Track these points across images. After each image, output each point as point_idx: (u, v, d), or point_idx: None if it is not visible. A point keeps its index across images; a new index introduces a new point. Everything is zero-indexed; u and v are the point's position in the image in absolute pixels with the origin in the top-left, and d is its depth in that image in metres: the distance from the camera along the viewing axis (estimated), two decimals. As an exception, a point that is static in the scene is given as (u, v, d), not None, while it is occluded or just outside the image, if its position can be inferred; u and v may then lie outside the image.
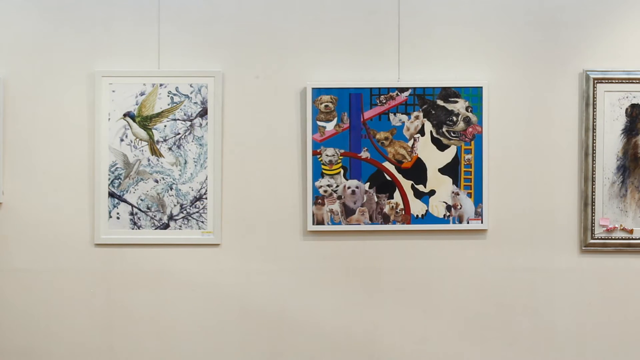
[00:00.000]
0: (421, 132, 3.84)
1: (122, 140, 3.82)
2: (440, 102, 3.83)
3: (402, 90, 3.82)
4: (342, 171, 3.83)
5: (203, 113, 3.83)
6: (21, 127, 3.82)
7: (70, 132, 3.83)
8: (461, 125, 3.84)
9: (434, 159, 3.84)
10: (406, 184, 3.84)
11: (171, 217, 3.83)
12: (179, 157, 3.83)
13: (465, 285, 3.86)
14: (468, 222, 3.84)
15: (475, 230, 3.85)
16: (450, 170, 3.84)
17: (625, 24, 3.85)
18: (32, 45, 3.83)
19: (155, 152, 3.83)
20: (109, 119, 3.81)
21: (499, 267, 3.86)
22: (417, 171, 3.84)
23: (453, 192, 3.84)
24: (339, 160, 3.83)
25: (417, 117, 3.83)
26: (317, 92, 3.81)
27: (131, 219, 3.83)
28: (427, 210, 3.84)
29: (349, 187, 3.83)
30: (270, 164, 3.84)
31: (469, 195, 3.84)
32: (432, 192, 3.84)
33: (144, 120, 3.82)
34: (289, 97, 3.84)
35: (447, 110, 3.83)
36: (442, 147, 3.84)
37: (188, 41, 3.84)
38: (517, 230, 3.86)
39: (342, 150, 3.83)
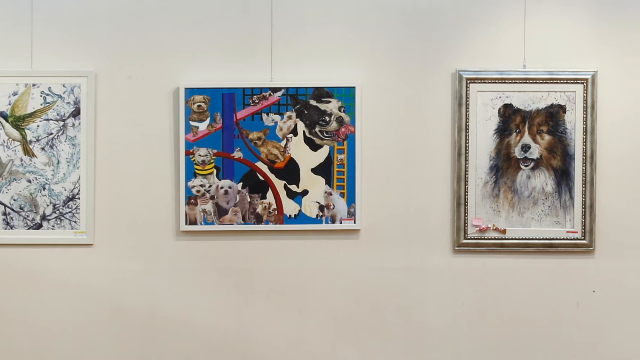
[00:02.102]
0: (294, 132, 3.84)
1: (-6, 140, 3.82)
2: (313, 102, 3.83)
3: (275, 90, 3.82)
4: (214, 171, 3.83)
5: (76, 113, 3.82)
6: None
7: (-57, 132, 3.83)
8: (334, 125, 3.84)
9: (307, 159, 3.84)
10: (279, 184, 3.84)
11: (44, 217, 3.83)
12: (51, 157, 3.83)
13: (338, 286, 3.86)
14: (341, 222, 3.84)
15: (348, 230, 3.85)
16: (323, 170, 3.84)
17: (498, 24, 3.86)
18: None
19: (28, 152, 3.82)
20: (-18, 119, 3.82)
21: (372, 267, 3.86)
22: (290, 171, 3.84)
23: (326, 192, 3.84)
24: (212, 160, 3.83)
25: (289, 117, 3.83)
26: (190, 92, 3.81)
27: (4, 219, 3.82)
28: (300, 210, 3.84)
29: (221, 187, 3.83)
30: (143, 164, 3.84)
31: (342, 195, 3.84)
32: (305, 192, 3.84)
33: (17, 120, 3.81)
34: (161, 97, 3.84)
35: (319, 110, 3.83)
36: (315, 147, 3.84)
37: (61, 41, 3.84)
38: (390, 230, 3.86)
39: (215, 150, 3.83)
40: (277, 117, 3.83)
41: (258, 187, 3.84)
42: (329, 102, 3.83)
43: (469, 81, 3.83)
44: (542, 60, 3.84)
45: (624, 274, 3.87)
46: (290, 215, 3.84)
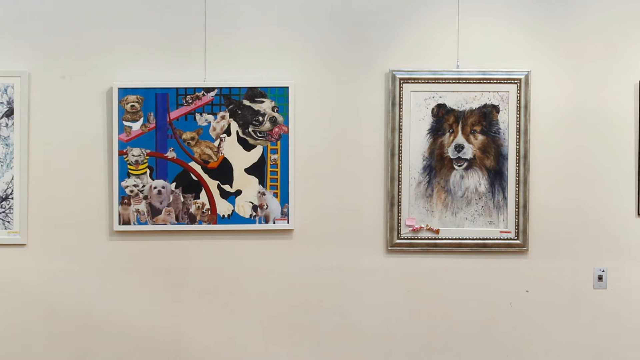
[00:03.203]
0: (227, 132, 3.84)
1: None
2: (246, 102, 3.83)
3: (208, 90, 3.82)
4: (148, 171, 3.83)
5: (9, 113, 3.82)
6: None
7: None
8: (267, 125, 3.84)
9: (240, 159, 3.84)
10: (212, 184, 3.84)
11: (-23, 217, 3.84)
12: (-15, 157, 3.83)
13: (272, 285, 3.87)
14: (274, 222, 3.84)
15: (282, 230, 3.85)
16: (257, 170, 3.84)
17: (431, 24, 3.85)
18: None
19: (-39, 152, 3.83)
20: None
21: (305, 267, 3.87)
22: (224, 171, 3.84)
23: (259, 192, 3.84)
24: (145, 160, 3.83)
25: (223, 117, 3.84)
26: (124, 92, 3.81)
27: (-63, 219, 3.83)
28: (233, 210, 3.84)
29: (155, 187, 3.84)
30: (77, 164, 3.84)
31: (275, 195, 3.84)
32: (239, 192, 3.84)
33: (-50, 120, 3.82)
34: (95, 97, 3.84)
35: (253, 110, 3.83)
36: (248, 147, 3.84)
37: (-5, 41, 3.85)
38: (324, 230, 3.86)
39: (149, 150, 3.83)
40: (210, 117, 3.83)
41: (191, 187, 3.84)
42: (263, 102, 3.83)
43: (402, 81, 3.83)
44: (476, 60, 3.84)
45: (557, 274, 3.87)
46: (223, 215, 3.85)
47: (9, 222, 3.83)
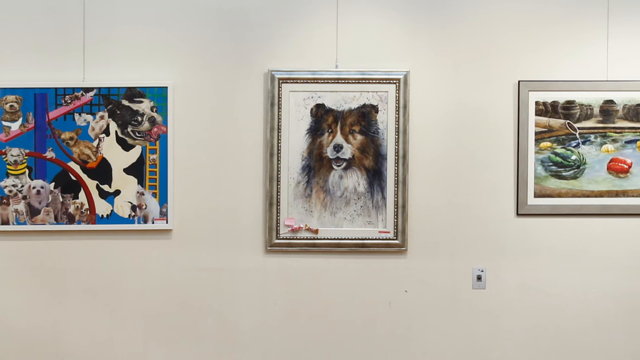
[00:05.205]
0: (106, 132, 3.84)
1: None
2: (125, 102, 3.83)
3: (87, 90, 3.82)
4: (27, 171, 3.83)
5: None
6: None
7: None
8: (146, 125, 3.84)
9: (119, 159, 3.84)
10: (91, 184, 3.84)
11: None
12: None
13: (150, 286, 3.87)
14: (153, 222, 3.84)
15: (160, 230, 3.86)
16: (136, 170, 3.84)
17: (309, 24, 3.85)
18: None
19: None
20: None
21: (184, 267, 3.87)
22: (102, 171, 3.84)
23: (138, 192, 3.84)
24: (24, 160, 3.83)
25: (102, 117, 3.83)
26: (2, 92, 3.81)
27: None
28: (112, 210, 3.85)
29: (34, 187, 3.84)
30: (-44, 164, 3.85)
31: (154, 195, 3.84)
32: (118, 192, 3.85)
33: None
34: (-26, 97, 3.84)
35: (132, 110, 3.83)
36: (127, 147, 3.84)
37: None
38: (203, 230, 3.86)
39: (27, 150, 3.83)
40: (89, 117, 3.83)
41: (70, 187, 3.84)
42: (142, 102, 3.83)
43: (281, 81, 3.83)
44: (355, 60, 3.84)
45: (436, 274, 3.87)
46: (102, 215, 3.85)
47: None
